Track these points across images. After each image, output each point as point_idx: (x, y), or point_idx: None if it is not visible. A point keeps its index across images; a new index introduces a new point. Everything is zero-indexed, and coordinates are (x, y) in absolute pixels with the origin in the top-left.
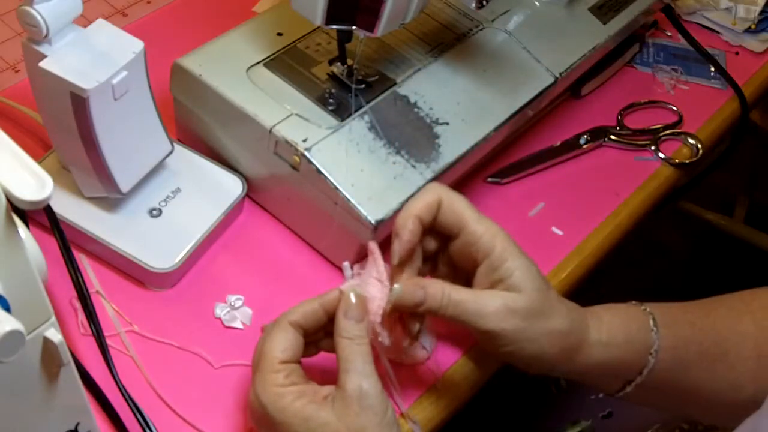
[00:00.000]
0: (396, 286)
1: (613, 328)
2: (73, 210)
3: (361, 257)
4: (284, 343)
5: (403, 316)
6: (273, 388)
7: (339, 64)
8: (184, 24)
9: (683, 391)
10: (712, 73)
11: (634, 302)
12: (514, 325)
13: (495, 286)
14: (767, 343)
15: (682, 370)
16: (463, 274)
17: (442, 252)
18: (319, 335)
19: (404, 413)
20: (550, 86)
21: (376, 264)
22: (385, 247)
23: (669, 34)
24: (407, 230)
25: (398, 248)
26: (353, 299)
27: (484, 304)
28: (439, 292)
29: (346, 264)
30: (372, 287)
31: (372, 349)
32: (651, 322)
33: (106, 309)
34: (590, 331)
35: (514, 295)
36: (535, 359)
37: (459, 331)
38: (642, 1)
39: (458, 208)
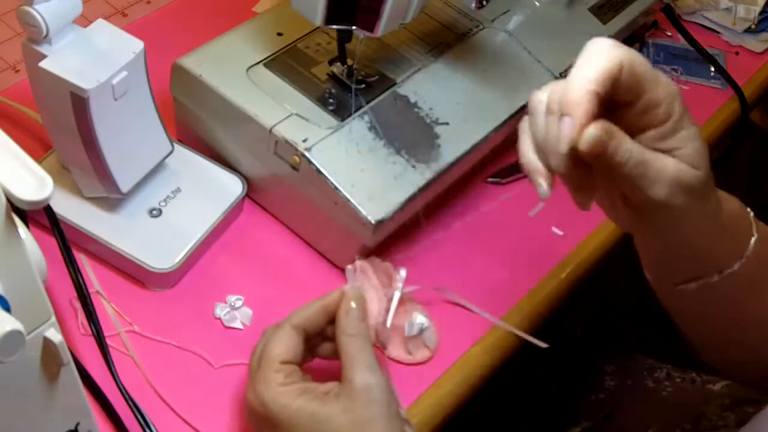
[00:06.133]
0: (590, 129)
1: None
2: (73, 210)
3: (361, 258)
4: (286, 344)
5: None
6: (275, 386)
7: (339, 64)
8: (184, 24)
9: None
10: (712, 73)
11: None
12: (680, 202)
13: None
14: None
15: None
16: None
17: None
18: (317, 341)
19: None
20: None
21: (369, 279)
22: (385, 245)
23: (669, 34)
24: (582, 109)
25: (569, 132)
26: (354, 299)
27: (663, 169)
28: (627, 144)
29: (349, 267)
30: (370, 291)
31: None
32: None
33: (106, 309)
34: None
35: (689, 169)
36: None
37: (461, 330)
38: (642, 1)
39: (640, 71)
